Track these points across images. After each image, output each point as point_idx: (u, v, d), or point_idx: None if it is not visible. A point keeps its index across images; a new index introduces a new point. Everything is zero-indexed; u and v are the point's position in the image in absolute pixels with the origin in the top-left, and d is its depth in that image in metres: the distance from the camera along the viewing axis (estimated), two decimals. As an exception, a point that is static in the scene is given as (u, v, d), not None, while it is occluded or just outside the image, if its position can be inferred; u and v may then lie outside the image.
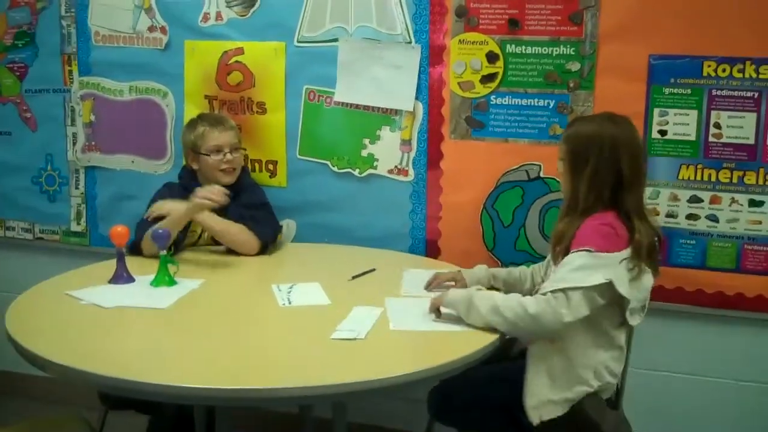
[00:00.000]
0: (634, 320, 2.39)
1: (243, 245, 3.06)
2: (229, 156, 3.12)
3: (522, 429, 2.39)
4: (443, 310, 2.38)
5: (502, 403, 2.49)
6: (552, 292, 2.23)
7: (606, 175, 2.35)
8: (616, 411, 2.54)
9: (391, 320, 2.36)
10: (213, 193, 2.85)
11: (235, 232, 3.05)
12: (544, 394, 2.34)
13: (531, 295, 2.35)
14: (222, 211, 3.09)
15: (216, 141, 3.12)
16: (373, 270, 2.87)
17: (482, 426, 2.59)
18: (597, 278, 2.23)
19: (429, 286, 2.70)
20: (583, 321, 2.26)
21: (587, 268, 2.24)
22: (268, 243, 3.13)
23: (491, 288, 2.70)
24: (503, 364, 2.54)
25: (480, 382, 2.57)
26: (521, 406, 2.37)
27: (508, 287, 2.73)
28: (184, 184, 3.20)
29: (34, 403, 3.80)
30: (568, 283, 2.22)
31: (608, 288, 2.25)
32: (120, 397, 2.58)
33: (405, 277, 2.80)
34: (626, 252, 2.30)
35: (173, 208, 2.91)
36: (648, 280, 2.41)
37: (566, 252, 2.34)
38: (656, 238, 2.40)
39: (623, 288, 2.27)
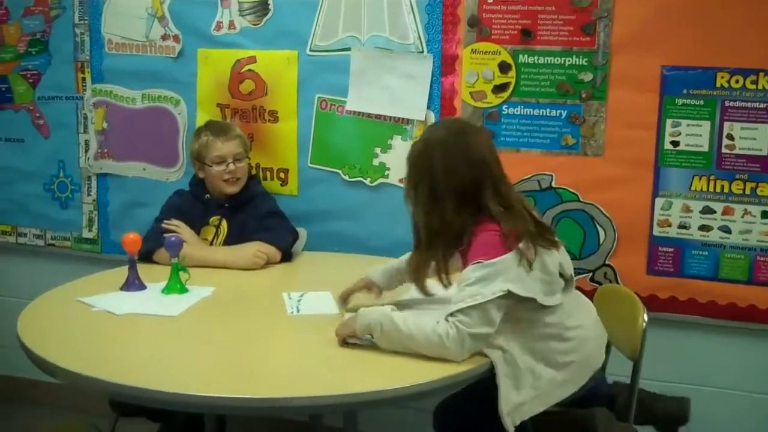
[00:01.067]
0: (554, 299, 2.26)
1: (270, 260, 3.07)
2: (231, 166, 3.12)
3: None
4: (351, 340, 2.23)
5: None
6: (451, 315, 2.13)
7: (447, 190, 2.24)
8: (626, 423, 2.53)
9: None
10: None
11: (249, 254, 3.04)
12: (512, 399, 2.23)
13: None
14: (238, 223, 3.11)
15: (219, 151, 3.12)
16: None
17: None
18: (494, 289, 2.13)
19: (344, 302, 2.58)
20: (503, 323, 2.19)
21: (482, 280, 2.15)
22: (288, 249, 3.13)
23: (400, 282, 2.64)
24: None
25: (483, 395, 2.56)
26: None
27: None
28: (195, 192, 3.21)
29: (45, 409, 3.81)
30: (464, 302, 2.13)
31: (510, 294, 2.15)
32: (130, 405, 2.58)
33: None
34: (515, 252, 2.18)
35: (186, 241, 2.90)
36: (552, 261, 2.26)
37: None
38: (532, 214, 2.28)
39: (524, 290, 2.16)
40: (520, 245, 2.18)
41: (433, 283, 2.41)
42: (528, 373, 2.25)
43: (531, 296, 2.19)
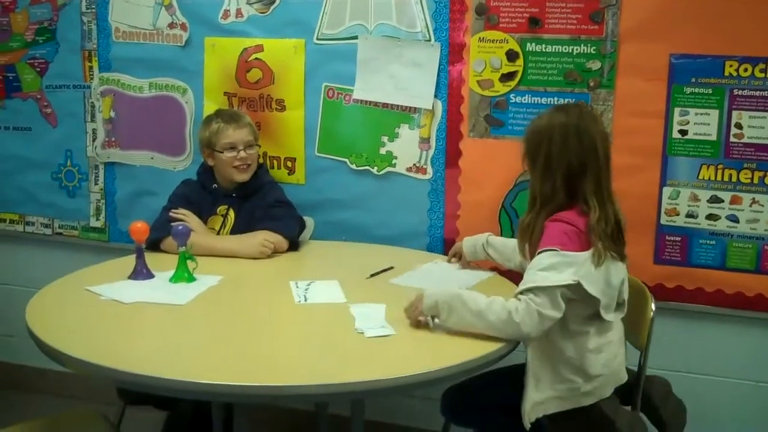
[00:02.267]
0: (609, 316, 2.35)
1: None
2: (242, 153, 3.12)
3: (540, 429, 2.39)
4: (422, 319, 2.31)
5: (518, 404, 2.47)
6: (521, 293, 2.23)
7: (559, 164, 2.35)
8: (634, 411, 2.53)
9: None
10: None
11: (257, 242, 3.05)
12: (531, 397, 2.33)
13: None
14: (245, 213, 3.11)
15: (230, 138, 3.12)
16: (392, 268, 2.87)
17: (499, 427, 2.58)
18: (565, 277, 2.23)
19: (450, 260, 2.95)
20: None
21: (555, 267, 2.24)
22: (295, 238, 3.13)
23: (487, 256, 2.85)
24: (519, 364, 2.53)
25: (495, 382, 2.57)
26: None
27: (502, 257, 2.83)
28: (202, 182, 3.22)
29: (53, 398, 3.83)
30: (537, 282, 2.22)
31: (577, 288, 2.24)
32: (138, 393, 2.59)
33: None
34: (592, 250, 2.28)
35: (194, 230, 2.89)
36: (617, 274, 2.36)
37: (533, 248, 2.36)
38: (618, 223, 2.38)
39: (591, 287, 2.26)
40: (597, 247, 2.27)
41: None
42: (554, 375, 2.34)
43: (597, 296, 2.27)
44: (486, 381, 2.50)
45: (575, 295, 2.26)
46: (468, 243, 2.93)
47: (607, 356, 2.40)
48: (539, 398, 2.33)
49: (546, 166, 2.37)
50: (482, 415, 2.60)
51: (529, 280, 2.25)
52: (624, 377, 2.48)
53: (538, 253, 2.30)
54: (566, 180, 2.35)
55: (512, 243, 2.75)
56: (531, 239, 2.40)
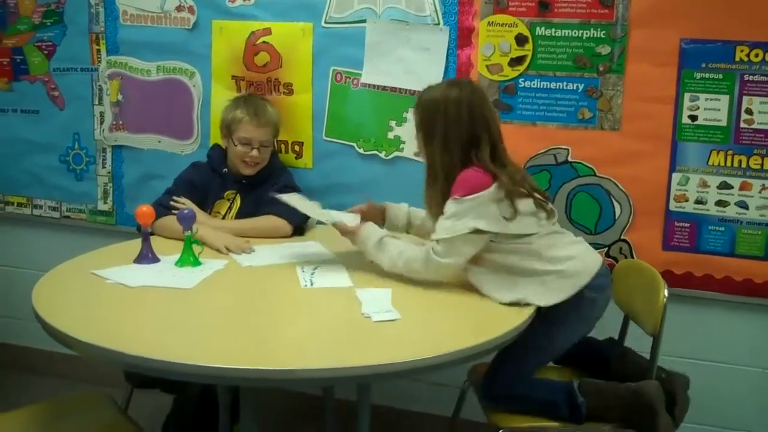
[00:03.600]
0: (530, 229, 2.49)
1: (275, 231, 3.08)
2: (255, 152, 3.12)
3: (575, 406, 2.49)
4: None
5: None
6: (432, 248, 2.46)
7: (456, 138, 2.50)
8: (657, 382, 2.53)
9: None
10: (235, 247, 2.86)
11: (263, 225, 3.07)
12: (510, 284, 2.47)
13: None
14: (252, 198, 3.11)
15: (248, 134, 3.11)
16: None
17: (538, 404, 2.58)
18: (462, 227, 2.42)
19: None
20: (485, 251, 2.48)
21: (455, 216, 2.43)
22: (300, 224, 3.13)
23: (406, 227, 2.95)
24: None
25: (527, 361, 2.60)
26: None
27: (420, 234, 2.88)
28: (213, 165, 3.21)
29: (60, 381, 3.84)
30: (439, 234, 2.45)
31: (480, 232, 2.43)
32: (145, 376, 2.60)
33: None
34: (494, 189, 2.42)
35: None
36: (525, 204, 2.49)
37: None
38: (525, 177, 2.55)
39: (489, 227, 2.42)
40: (495, 184, 2.42)
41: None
42: (512, 284, 2.47)
43: (498, 231, 2.44)
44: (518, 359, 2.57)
45: (484, 237, 2.45)
46: (392, 211, 2.96)
47: (559, 264, 2.49)
48: (510, 298, 2.44)
49: (444, 140, 2.52)
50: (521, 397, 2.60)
51: (437, 230, 2.48)
52: (594, 267, 2.54)
53: (449, 200, 2.48)
54: (463, 152, 2.50)
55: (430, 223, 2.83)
56: (440, 210, 2.53)
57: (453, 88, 2.55)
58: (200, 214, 2.95)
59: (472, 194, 2.41)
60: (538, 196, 2.51)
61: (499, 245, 2.48)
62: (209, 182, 3.18)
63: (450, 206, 2.46)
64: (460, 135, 2.49)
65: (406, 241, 2.67)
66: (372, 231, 2.64)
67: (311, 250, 2.89)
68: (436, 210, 2.55)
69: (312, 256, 2.81)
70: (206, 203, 3.14)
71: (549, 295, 2.45)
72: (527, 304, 2.41)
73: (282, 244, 2.96)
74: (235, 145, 3.11)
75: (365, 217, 2.80)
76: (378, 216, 2.91)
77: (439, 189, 2.53)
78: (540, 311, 2.42)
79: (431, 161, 2.57)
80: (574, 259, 2.51)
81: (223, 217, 3.15)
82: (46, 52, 3.72)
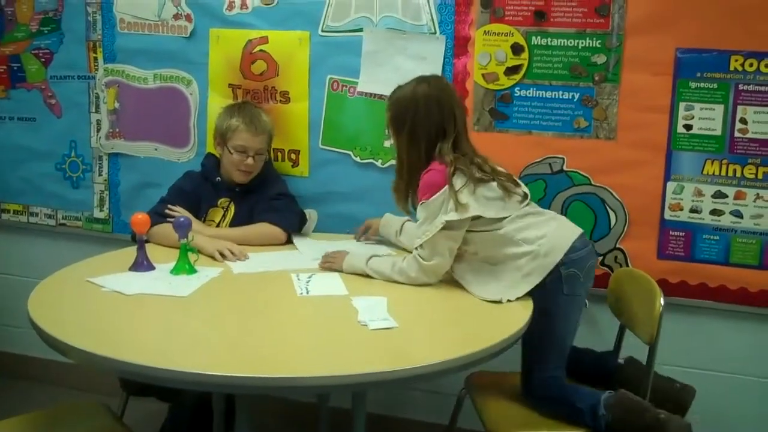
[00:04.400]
0: (505, 212, 2.59)
1: (270, 239, 3.08)
2: (250, 161, 3.12)
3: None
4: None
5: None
6: (416, 252, 2.58)
7: (422, 133, 2.63)
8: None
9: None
10: (232, 254, 2.86)
11: (257, 232, 3.08)
12: (492, 283, 2.56)
13: None
14: (246, 206, 3.13)
15: (244, 142, 3.11)
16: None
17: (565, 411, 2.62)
18: (436, 224, 2.53)
19: (359, 237, 3.18)
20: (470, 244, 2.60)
21: (427, 219, 2.57)
22: (294, 230, 3.14)
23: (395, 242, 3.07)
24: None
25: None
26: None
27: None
28: (206, 174, 3.21)
29: (55, 389, 3.83)
30: (420, 239, 2.57)
31: (454, 222, 2.53)
32: (141, 384, 2.59)
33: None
34: (452, 182, 2.55)
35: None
36: (489, 189, 2.60)
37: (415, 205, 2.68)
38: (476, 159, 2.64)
39: (465, 214, 2.52)
40: (454, 179, 2.55)
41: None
42: (491, 276, 2.58)
43: (477, 214, 2.54)
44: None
45: (461, 227, 2.56)
46: (384, 228, 3.13)
47: (533, 245, 2.57)
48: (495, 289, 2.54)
49: (412, 135, 2.65)
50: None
51: (417, 236, 2.61)
52: (567, 242, 2.59)
53: (418, 207, 2.63)
54: (427, 145, 2.63)
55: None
56: (412, 201, 2.73)
57: (422, 84, 2.68)
58: (195, 223, 2.94)
59: (436, 193, 2.54)
60: (501, 179, 2.62)
61: (474, 235, 2.59)
62: (202, 191, 3.19)
63: (420, 212, 2.61)
64: (428, 130, 2.63)
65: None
66: (354, 256, 2.74)
67: (306, 258, 2.89)
68: (401, 202, 2.78)
69: (307, 264, 2.81)
70: (199, 211, 3.14)
71: (524, 281, 2.53)
72: (509, 301, 2.50)
73: (277, 252, 2.96)
74: (231, 153, 3.11)
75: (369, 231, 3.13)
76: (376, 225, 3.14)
77: (404, 181, 2.72)
78: (535, 309, 2.47)
79: (398, 154, 2.73)
80: (546, 237, 2.57)
81: (218, 225, 3.16)
82: (44, 59, 3.73)
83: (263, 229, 3.08)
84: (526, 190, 2.69)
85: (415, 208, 2.70)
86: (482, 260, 2.60)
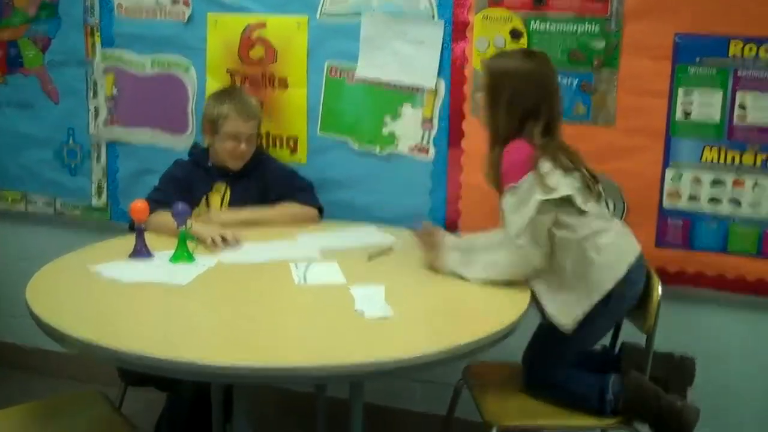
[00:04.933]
0: (587, 207, 2.55)
1: (305, 217, 3.18)
2: (243, 146, 3.13)
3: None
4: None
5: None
6: (515, 237, 2.48)
7: (519, 105, 2.56)
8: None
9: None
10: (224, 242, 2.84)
11: (292, 212, 3.16)
12: (564, 300, 2.52)
13: None
14: (240, 189, 3.15)
15: (236, 129, 3.11)
16: (390, 249, 2.86)
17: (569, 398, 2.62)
18: (531, 206, 2.46)
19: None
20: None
21: (519, 203, 2.48)
22: (321, 206, 3.22)
23: None
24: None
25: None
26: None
27: None
28: (197, 160, 3.21)
29: (53, 379, 3.84)
30: (516, 227, 2.49)
31: (545, 204, 2.47)
32: (139, 374, 2.59)
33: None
34: (538, 166, 2.50)
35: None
36: (568, 181, 2.55)
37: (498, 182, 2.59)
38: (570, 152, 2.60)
39: (557, 192, 2.48)
40: (541, 162, 2.49)
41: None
42: (579, 277, 2.53)
43: (568, 193, 2.49)
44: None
45: (553, 209, 2.49)
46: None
47: (610, 232, 2.57)
48: (576, 297, 2.52)
49: (509, 106, 2.57)
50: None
51: (510, 225, 2.51)
52: (631, 257, 2.59)
53: (503, 194, 2.54)
54: (521, 120, 2.56)
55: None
56: (497, 176, 2.61)
57: (528, 59, 2.64)
58: (221, 212, 3.08)
59: (525, 173, 2.48)
60: (586, 173, 2.58)
61: (554, 234, 2.53)
62: (194, 177, 3.18)
63: (508, 198, 2.52)
64: (524, 106, 2.56)
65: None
66: (450, 256, 2.63)
67: (304, 247, 2.88)
68: (492, 173, 2.64)
69: (305, 253, 2.81)
70: (193, 198, 3.13)
71: (588, 297, 2.51)
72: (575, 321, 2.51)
73: (275, 241, 2.95)
74: (223, 140, 3.11)
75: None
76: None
77: (497, 153, 2.60)
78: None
79: (494, 125, 2.64)
80: (614, 246, 2.56)
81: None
82: (41, 45, 3.71)
83: (298, 209, 3.17)
84: (601, 190, 2.65)
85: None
86: (557, 267, 2.55)
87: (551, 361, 2.62)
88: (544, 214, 2.47)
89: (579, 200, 2.52)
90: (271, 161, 3.29)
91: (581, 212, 2.52)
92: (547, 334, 2.60)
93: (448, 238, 2.71)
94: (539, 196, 2.46)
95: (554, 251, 2.53)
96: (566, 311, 2.51)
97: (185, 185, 3.14)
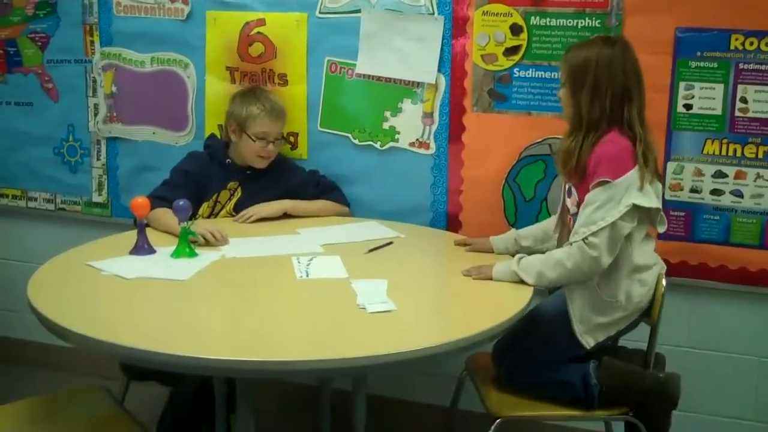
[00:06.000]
0: (661, 228, 2.53)
1: (342, 214, 3.27)
2: (271, 147, 3.14)
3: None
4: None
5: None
6: (584, 239, 2.39)
7: (605, 90, 2.47)
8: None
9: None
10: (216, 238, 2.80)
11: (332, 208, 3.27)
12: (592, 320, 2.49)
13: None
14: (254, 188, 3.18)
15: (266, 128, 3.12)
16: (391, 243, 2.86)
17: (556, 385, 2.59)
18: (620, 209, 2.38)
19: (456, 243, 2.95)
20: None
21: (609, 202, 2.38)
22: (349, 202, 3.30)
23: (518, 251, 2.80)
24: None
25: (535, 342, 2.61)
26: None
27: (537, 243, 2.85)
28: (214, 155, 3.20)
29: (56, 373, 3.83)
30: (595, 225, 2.38)
31: (633, 210, 2.39)
32: (142, 368, 2.59)
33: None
34: (638, 165, 2.43)
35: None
36: (657, 186, 2.52)
37: (579, 173, 2.49)
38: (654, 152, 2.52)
39: (647, 201, 2.41)
40: (641, 164, 2.42)
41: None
42: (611, 301, 2.49)
43: (656, 206, 2.45)
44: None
45: (633, 220, 2.41)
46: (498, 244, 2.89)
47: (653, 275, 2.54)
48: (603, 320, 2.49)
49: (595, 89, 2.48)
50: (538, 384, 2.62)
51: (586, 222, 2.41)
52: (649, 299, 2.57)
53: (592, 186, 2.42)
54: (612, 104, 2.47)
55: (539, 230, 2.87)
56: (577, 163, 2.49)
57: (607, 45, 2.53)
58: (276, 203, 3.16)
59: (623, 173, 2.40)
60: (660, 179, 2.55)
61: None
62: (208, 172, 3.17)
63: (598, 193, 2.41)
64: (612, 89, 2.47)
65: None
66: (504, 264, 2.53)
67: (307, 242, 2.88)
68: (569, 163, 2.52)
69: (308, 248, 2.80)
70: (205, 193, 3.13)
71: (613, 326, 2.51)
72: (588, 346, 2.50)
73: (277, 236, 2.95)
74: (253, 141, 3.11)
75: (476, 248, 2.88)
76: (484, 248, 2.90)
77: (579, 141, 2.50)
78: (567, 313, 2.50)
79: (577, 111, 2.53)
80: (649, 284, 2.54)
81: (222, 207, 3.16)
82: (40, 43, 3.71)
83: (334, 206, 3.26)
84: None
85: (571, 184, 2.58)
86: (598, 286, 2.49)
87: (540, 362, 2.58)
88: (627, 221, 2.40)
89: (657, 216, 2.50)
90: (287, 162, 3.31)
91: (650, 234, 2.51)
92: (537, 335, 2.57)
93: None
94: (636, 201, 2.38)
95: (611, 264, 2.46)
96: (594, 334, 2.50)
97: (197, 180, 3.14)
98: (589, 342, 2.50)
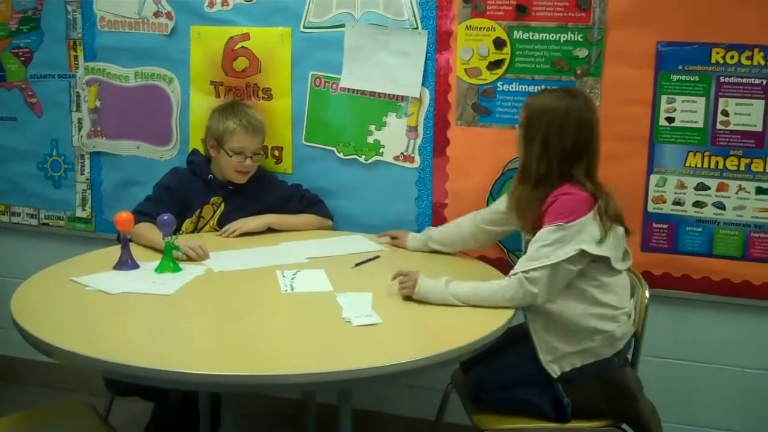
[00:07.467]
0: (618, 265, 2.49)
1: (326, 226, 3.29)
2: (248, 162, 3.13)
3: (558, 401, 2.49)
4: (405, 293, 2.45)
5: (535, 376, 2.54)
6: (524, 272, 2.38)
7: (556, 146, 2.47)
8: (633, 369, 2.60)
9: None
10: (198, 254, 2.80)
11: (316, 221, 3.27)
12: (559, 349, 2.47)
13: (472, 238, 2.88)
14: (237, 203, 3.18)
15: (243, 144, 3.12)
16: (377, 257, 2.87)
17: (522, 404, 2.57)
18: (567, 251, 2.37)
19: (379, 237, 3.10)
20: (567, 287, 2.44)
21: (558, 242, 2.38)
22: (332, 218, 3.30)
23: (430, 251, 2.97)
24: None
25: (508, 359, 2.59)
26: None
27: (446, 246, 2.97)
28: (196, 170, 3.20)
29: (40, 390, 3.81)
30: (539, 261, 2.37)
31: (581, 255, 2.39)
32: (126, 384, 2.58)
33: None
34: (593, 213, 2.43)
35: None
36: (619, 229, 2.51)
37: (536, 223, 2.48)
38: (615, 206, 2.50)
39: (598, 250, 2.40)
40: (596, 208, 2.42)
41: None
42: (583, 330, 2.47)
43: (605, 255, 2.42)
44: (500, 357, 2.56)
45: (581, 264, 2.41)
46: (412, 243, 3.03)
47: (626, 303, 2.54)
48: (570, 349, 2.47)
49: (544, 145, 2.49)
50: (508, 394, 2.58)
51: (531, 257, 2.40)
52: (632, 329, 2.58)
53: (546, 225, 2.42)
54: (560, 162, 2.48)
55: (454, 234, 2.96)
56: (530, 214, 2.52)
57: (566, 98, 2.52)
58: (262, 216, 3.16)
59: (577, 219, 2.39)
60: (625, 225, 2.53)
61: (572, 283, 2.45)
62: (191, 188, 3.17)
63: (550, 233, 2.39)
64: (562, 145, 2.47)
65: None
66: (427, 281, 2.45)
67: (291, 254, 2.88)
68: (528, 213, 2.54)
69: (292, 261, 2.80)
70: (188, 208, 3.13)
71: (582, 357, 2.49)
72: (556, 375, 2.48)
73: (261, 248, 2.95)
74: (230, 156, 3.11)
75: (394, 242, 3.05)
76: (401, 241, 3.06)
77: (529, 191, 2.53)
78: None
79: (527, 162, 2.55)
80: (624, 327, 2.52)
81: (206, 222, 3.15)
82: (23, 58, 3.70)
83: (318, 220, 3.27)
84: (628, 248, 2.59)
85: (529, 228, 2.56)
86: (563, 312, 2.46)
87: (507, 382, 2.57)
88: (573, 264, 2.40)
89: (618, 263, 2.49)
90: (269, 177, 3.31)
91: (614, 270, 2.48)
92: (511, 353, 2.56)
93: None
94: (584, 246, 2.38)
95: (569, 297, 2.45)
96: (559, 362, 2.48)
97: (180, 196, 3.13)
98: (553, 371, 2.48)
